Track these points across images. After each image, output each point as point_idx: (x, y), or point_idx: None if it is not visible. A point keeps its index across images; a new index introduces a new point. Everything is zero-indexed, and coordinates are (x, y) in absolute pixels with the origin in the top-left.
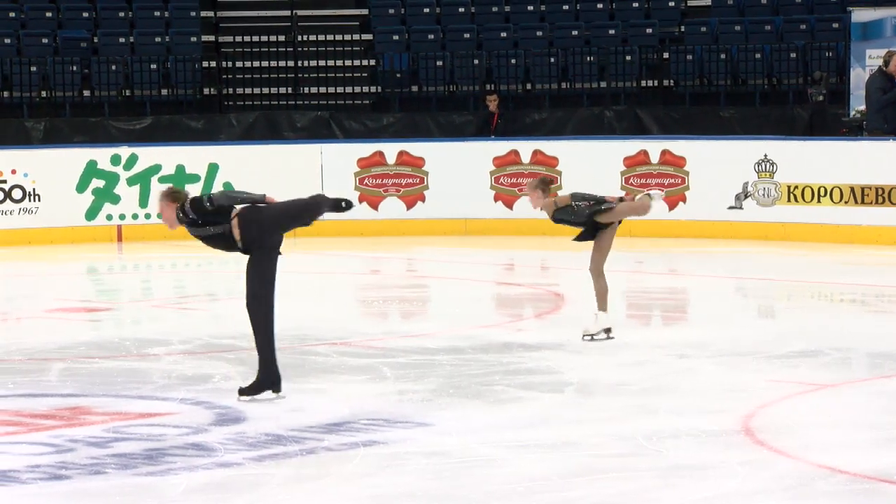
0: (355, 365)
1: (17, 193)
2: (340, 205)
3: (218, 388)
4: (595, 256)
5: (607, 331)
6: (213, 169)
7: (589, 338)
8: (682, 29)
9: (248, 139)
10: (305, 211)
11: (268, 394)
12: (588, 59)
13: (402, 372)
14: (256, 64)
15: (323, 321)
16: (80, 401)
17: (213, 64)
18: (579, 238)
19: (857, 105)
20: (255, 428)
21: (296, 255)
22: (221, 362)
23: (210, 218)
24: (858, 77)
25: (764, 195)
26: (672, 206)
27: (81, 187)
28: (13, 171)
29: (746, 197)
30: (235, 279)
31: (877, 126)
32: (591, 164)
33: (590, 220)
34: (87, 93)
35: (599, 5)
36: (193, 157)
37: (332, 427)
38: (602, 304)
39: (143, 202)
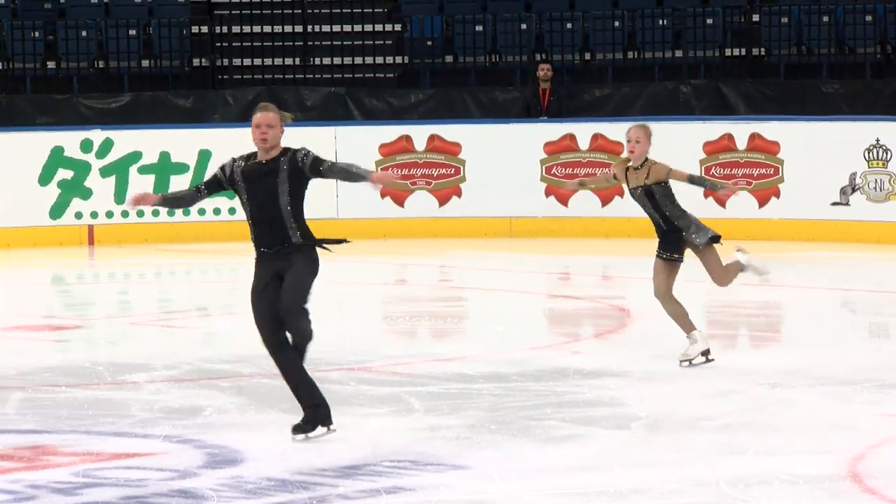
0: (377, 395)
1: None
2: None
3: (210, 423)
4: (669, 278)
5: (705, 353)
6: (204, 157)
7: (687, 363)
8: None
9: (246, 121)
10: None
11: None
12: (660, 22)
13: (434, 403)
14: (257, 29)
15: (339, 341)
16: (44, 438)
17: (205, 29)
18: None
19: None
20: (254, 471)
21: None
22: (214, 391)
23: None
24: None
25: (876, 188)
26: (763, 203)
27: (45, 179)
28: None
29: (854, 191)
30: (230, 291)
31: None
32: (663, 152)
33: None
34: (51, 64)
35: None
36: (181, 143)
37: (349, 470)
38: (688, 326)
39: (120, 197)
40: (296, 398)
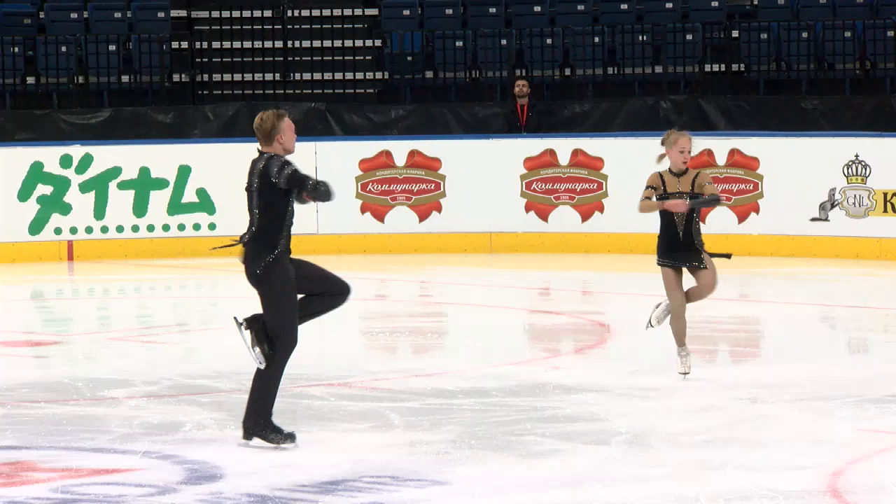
0: (357, 410)
1: None
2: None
3: (189, 439)
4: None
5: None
6: (184, 172)
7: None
8: (755, 2)
9: (226, 136)
10: None
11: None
12: (640, 38)
13: (414, 419)
14: (237, 45)
15: (319, 357)
16: (22, 454)
17: (185, 45)
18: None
19: None
20: (234, 487)
21: None
22: (194, 407)
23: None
24: None
25: (855, 204)
26: (742, 219)
27: (24, 195)
28: None
29: (833, 206)
30: (210, 306)
31: None
32: (643, 167)
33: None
34: (31, 79)
35: None
36: (160, 158)
37: (329, 486)
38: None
39: (100, 213)
40: (264, 402)
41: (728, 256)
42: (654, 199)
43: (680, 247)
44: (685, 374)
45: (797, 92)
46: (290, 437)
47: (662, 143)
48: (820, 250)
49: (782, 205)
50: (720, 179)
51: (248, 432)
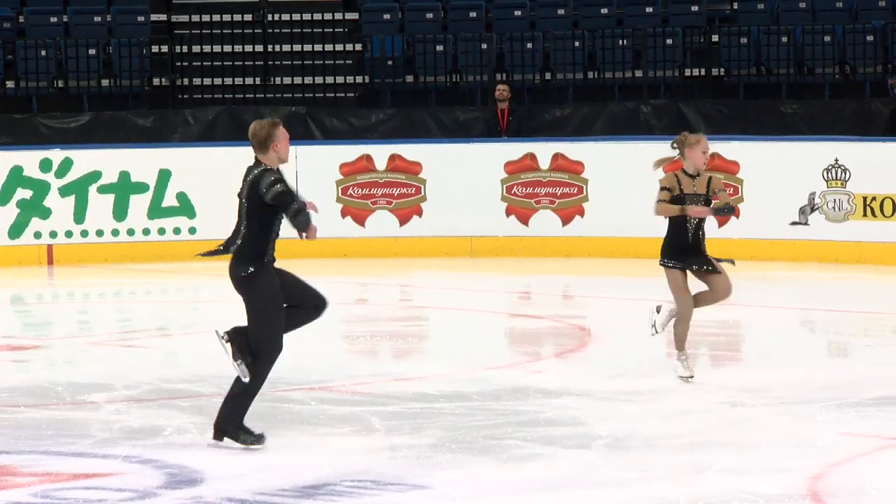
0: (338, 414)
1: None
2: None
3: (169, 443)
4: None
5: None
6: (164, 176)
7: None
8: (735, 6)
9: (207, 140)
10: None
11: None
12: (620, 42)
13: (395, 423)
14: (217, 49)
15: (299, 361)
16: (2, 458)
17: (165, 49)
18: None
19: None
20: (214, 491)
21: None
22: (174, 411)
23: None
24: None
25: (834, 208)
26: (723, 223)
27: (4, 199)
28: None
29: (813, 210)
30: (190, 310)
31: None
32: (623, 171)
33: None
34: (10, 83)
35: None
36: (141, 162)
37: (309, 490)
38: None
39: (79, 217)
40: (240, 405)
41: (732, 262)
42: (668, 201)
43: (689, 250)
44: (690, 377)
45: (777, 96)
46: (260, 438)
47: (676, 146)
48: (800, 254)
49: (762, 209)
50: None
51: (220, 433)
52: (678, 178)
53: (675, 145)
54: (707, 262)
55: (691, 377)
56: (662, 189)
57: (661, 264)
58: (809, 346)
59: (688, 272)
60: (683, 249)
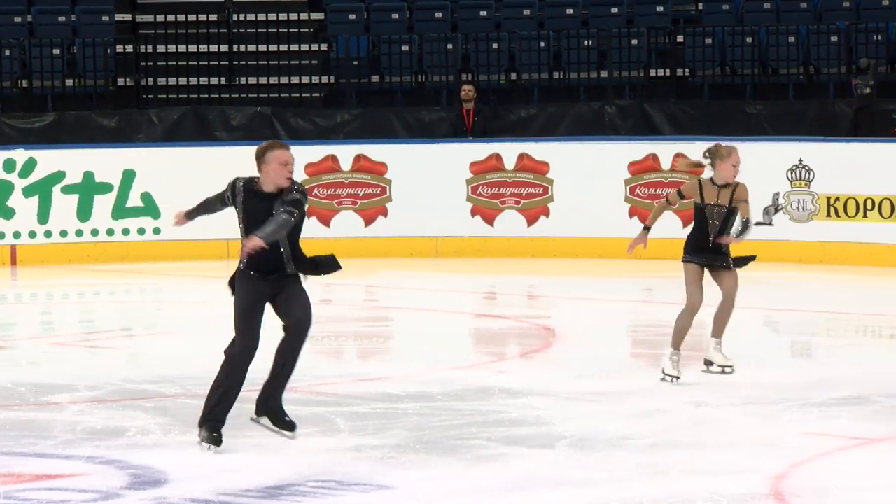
0: (302, 415)
1: None
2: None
3: (133, 444)
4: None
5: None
6: (128, 176)
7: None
8: (700, 7)
9: (171, 140)
10: None
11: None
12: (586, 43)
13: (359, 423)
14: (182, 49)
15: (264, 361)
16: None
17: (130, 49)
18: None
19: None
20: (178, 492)
21: None
22: (138, 412)
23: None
24: None
25: (798, 208)
26: (688, 222)
27: None
28: None
29: (777, 211)
30: (154, 311)
31: None
32: (588, 171)
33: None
34: None
35: None
36: (105, 163)
37: (274, 491)
38: (678, 343)
39: (43, 217)
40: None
41: (752, 258)
42: (675, 205)
43: (708, 249)
44: (675, 378)
45: (741, 97)
46: (217, 441)
47: (708, 156)
48: (764, 254)
49: None
50: (665, 184)
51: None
52: (701, 185)
53: (707, 155)
54: (723, 259)
55: (676, 378)
56: (676, 192)
57: (682, 260)
58: (773, 346)
59: (704, 269)
60: (702, 248)
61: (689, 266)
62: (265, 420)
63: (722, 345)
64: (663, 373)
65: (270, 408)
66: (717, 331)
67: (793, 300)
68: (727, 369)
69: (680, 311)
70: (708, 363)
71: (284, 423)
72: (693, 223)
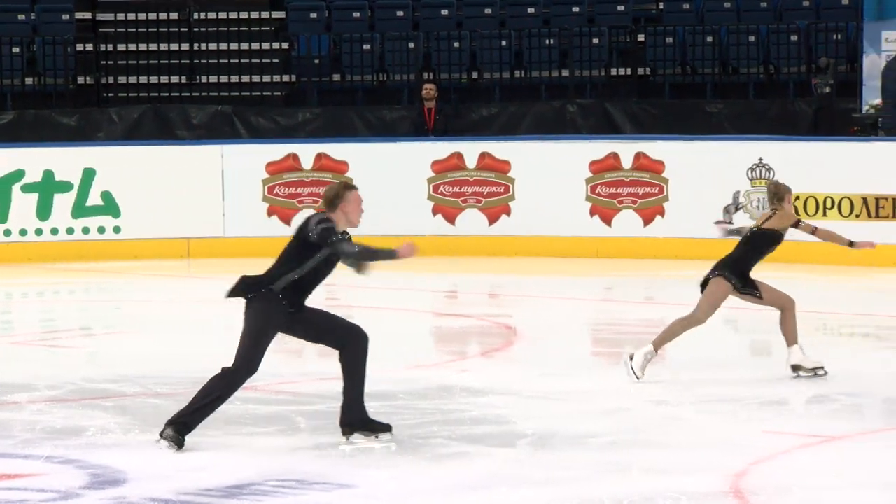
0: (262, 414)
1: None
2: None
3: (93, 443)
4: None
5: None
6: (88, 175)
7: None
8: (661, 6)
9: (132, 139)
10: None
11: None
12: (547, 42)
13: (320, 422)
14: (143, 47)
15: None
16: None
17: (90, 47)
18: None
19: (871, 98)
20: (138, 491)
21: (192, 280)
22: (98, 411)
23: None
24: (873, 64)
25: (759, 207)
26: (648, 222)
27: None
28: None
29: (738, 209)
30: (114, 310)
31: (895, 124)
32: (550, 170)
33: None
34: None
35: None
36: (65, 161)
37: (234, 490)
38: (663, 342)
39: (2, 216)
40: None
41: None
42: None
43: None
44: (638, 378)
45: (702, 96)
46: (180, 444)
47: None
48: (724, 253)
49: (687, 208)
50: (626, 183)
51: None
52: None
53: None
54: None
55: (638, 378)
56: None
57: (719, 276)
58: (733, 345)
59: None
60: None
61: (726, 286)
62: (357, 436)
63: (803, 348)
64: (631, 369)
65: (362, 420)
66: (792, 338)
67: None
68: (819, 371)
69: (681, 317)
70: (796, 368)
71: (380, 426)
72: (748, 247)
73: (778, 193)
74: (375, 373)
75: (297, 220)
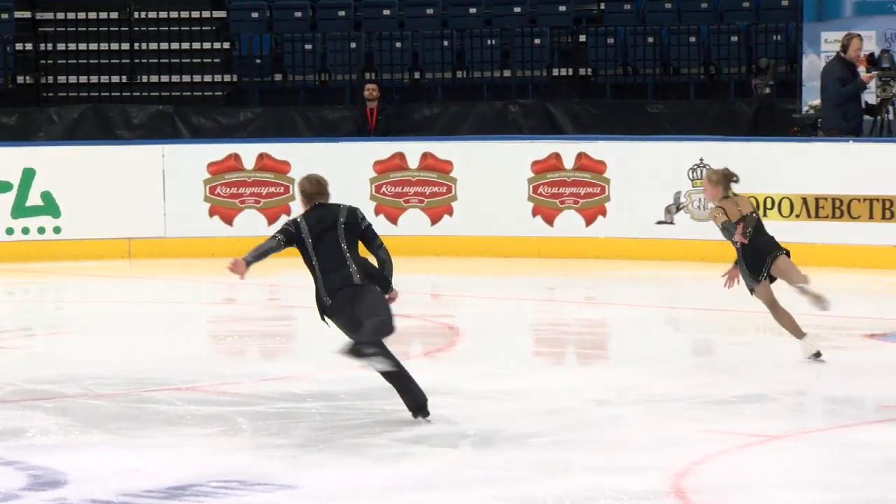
0: (204, 414)
1: None
2: None
3: (33, 445)
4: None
5: (817, 355)
6: (28, 175)
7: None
8: (602, 7)
9: (72, 139)
10: None
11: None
12: (489, 42)
13: (262, 423)
14: (83, 47)
15: (166, 361)
16: None
17: (30, 46)
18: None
19: (811, 99)
20: (78, 493)
21: (133, 280)
22: (38, 412)
23: None
24: (812, 65)
25: (699, 207)
26: (590, 222)
27: None
28: None
29: (679, 210)
30: (54, 311)
31: (834, 125)
32: (492, 170)
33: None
34: None
35: None
36: (4, 161)
37: (175, 491)
38: (798, 332)
39: None
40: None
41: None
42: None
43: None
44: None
45: (643, 96)
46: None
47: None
48: (665, 253)
49: (629, 208)
50: (568, 183)
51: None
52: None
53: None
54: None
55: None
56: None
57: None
58: (674, 344)
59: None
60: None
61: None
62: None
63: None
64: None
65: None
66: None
67: (694, 298)
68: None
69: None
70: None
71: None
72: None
73: (729, 176)
74: (318, 373)
75: (319, 215)
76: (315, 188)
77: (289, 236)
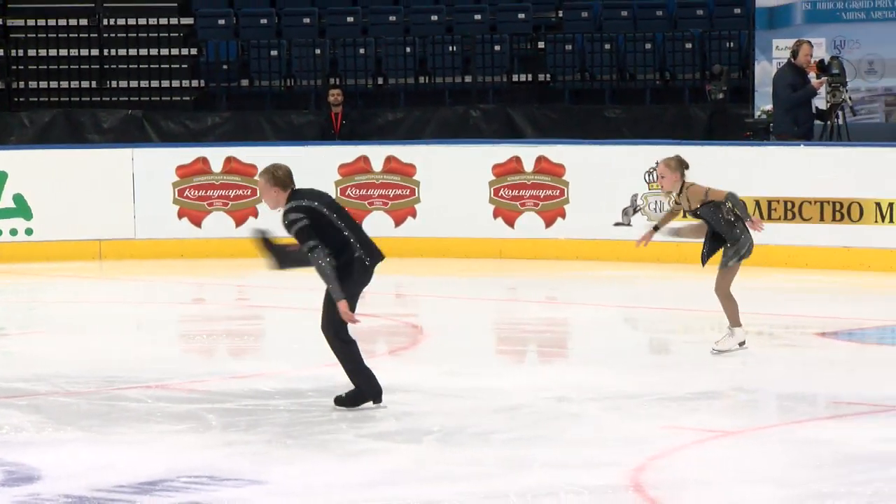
0: (174, 411)
1: None
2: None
3: (6, 442)
4: (726, 277)
5: (741, 343)
6: (0, 178)
7: (717, 353)
8: (560, 15)
9: (43, 142)
10: None
11: (368, 404)
12: (450, 49)
13: (231, 420)
14: (53, 53)
15: (136, 360)
16: None
17: (1, 52)
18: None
19: (763, 104)
20: (52, 488)
21: (104, 281)
22: (12, 410)
23: None
24: (764, 71)
25: (656, 209)
26: (549, 223)
27: None
28: None
29: (636, 212)
30: (27, 310)
31: (785, 129)
32: (454, 173)
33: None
34: None
35: None
36: None
37: (146, 486)
38: (736, 321)
39: None
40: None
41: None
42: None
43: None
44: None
45: (601, 101)
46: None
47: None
48: (623, 254)
49: (587, 210)
50: (528, 186)
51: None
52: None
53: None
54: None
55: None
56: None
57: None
58: (632, 342)
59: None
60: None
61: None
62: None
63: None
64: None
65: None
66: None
67: (651, 298)
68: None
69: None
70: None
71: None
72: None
73: (683, 163)
74: (285, 371)
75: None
76: (287, 173)
77: (319, 231)
